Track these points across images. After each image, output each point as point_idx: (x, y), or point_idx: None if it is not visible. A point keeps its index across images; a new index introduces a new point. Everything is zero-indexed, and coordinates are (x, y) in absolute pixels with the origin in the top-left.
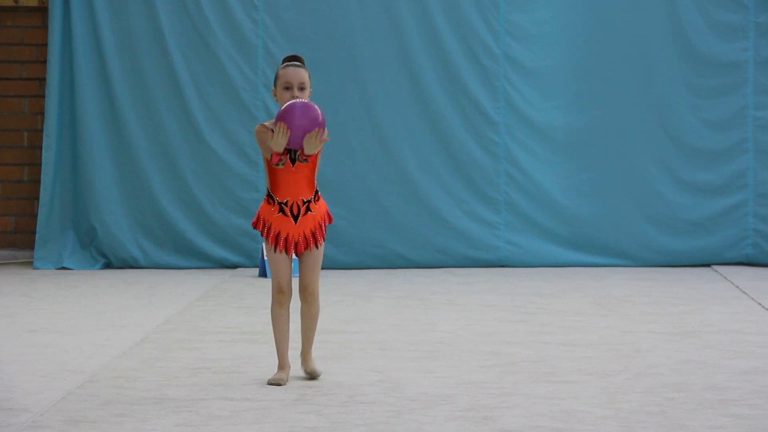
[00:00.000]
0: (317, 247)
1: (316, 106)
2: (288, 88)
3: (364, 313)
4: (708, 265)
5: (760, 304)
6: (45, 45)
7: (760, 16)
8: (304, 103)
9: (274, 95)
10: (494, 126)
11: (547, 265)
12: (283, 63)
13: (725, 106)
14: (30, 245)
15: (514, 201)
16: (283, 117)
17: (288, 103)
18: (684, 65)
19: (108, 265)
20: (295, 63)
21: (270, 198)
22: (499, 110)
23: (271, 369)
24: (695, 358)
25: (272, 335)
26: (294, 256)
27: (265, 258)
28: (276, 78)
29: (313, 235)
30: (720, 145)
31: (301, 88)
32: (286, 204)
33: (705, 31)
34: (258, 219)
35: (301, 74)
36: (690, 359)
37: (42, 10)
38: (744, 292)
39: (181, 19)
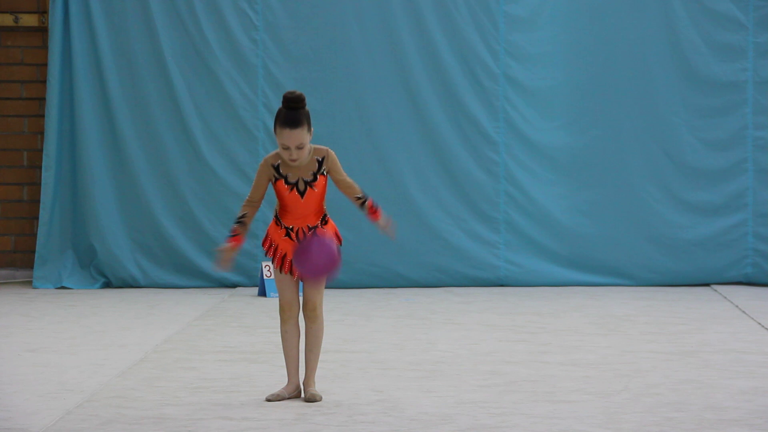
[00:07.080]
0: None
1: (332, 244)
2: (286, 148)
3: (364, 333)
4: (707, 285)
5: (759, 323)
6: (45, 65)
7: (759, 37)
8: (319, 240)
9: (276, 135)
10: (494, 146)
11: (547, 284)
12: (283, 103)
13: (725, 126)
14: (29, 265)
15: (514, 220)
16: (302, 254)
17: (305, 240)
18: (683, 85)
19: (107, 285)
20: (292, 122)
21: (278, 220)
22: (499, 130)
23: (269, 388)
24: (695, 378)
25: (274, 354)
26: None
27: (265, 277)
28: (275, 129)
29: None
30: (719, 165)
31: (299, 148)
32: (292, 229)
33: (704, 51)
34: (267, 238)
35: (298, 136)
36: (689, 379)
37: (42, 30)
38: (743, 312)
39: (180, 39)
